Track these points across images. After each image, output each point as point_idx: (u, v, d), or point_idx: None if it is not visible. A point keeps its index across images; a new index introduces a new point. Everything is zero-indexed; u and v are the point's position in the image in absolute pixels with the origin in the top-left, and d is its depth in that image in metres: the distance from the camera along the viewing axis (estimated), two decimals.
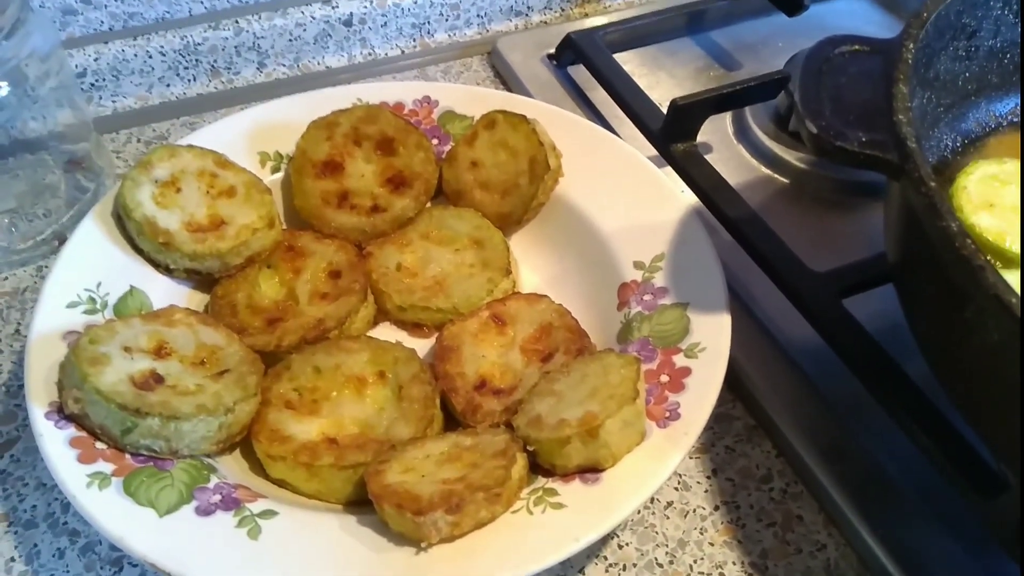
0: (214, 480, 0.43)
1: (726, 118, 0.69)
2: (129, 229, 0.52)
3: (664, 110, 0.63)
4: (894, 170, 0.38)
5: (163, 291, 0.51)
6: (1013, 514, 0.45)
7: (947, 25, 0.46)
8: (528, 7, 0.80)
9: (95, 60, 0.68)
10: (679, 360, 0.47)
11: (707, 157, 0.62)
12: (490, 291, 0.53)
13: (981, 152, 0.54)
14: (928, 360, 0.42)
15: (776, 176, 0.65)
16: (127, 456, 0.42)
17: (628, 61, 0.73)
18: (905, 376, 0.47)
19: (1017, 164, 0.51)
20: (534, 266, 0.57)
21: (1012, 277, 0.45)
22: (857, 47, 0.46)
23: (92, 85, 0.69)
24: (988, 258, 0.46)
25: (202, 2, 0.71)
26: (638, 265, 0.53)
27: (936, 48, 0.46)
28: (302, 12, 0.72)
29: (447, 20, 0.77)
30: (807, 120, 0.41)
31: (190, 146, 0.54)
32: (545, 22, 0.81)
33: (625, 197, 0.56)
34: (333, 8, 0.73)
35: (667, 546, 0.46)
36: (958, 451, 0.45)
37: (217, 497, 0.41)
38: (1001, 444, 0.40)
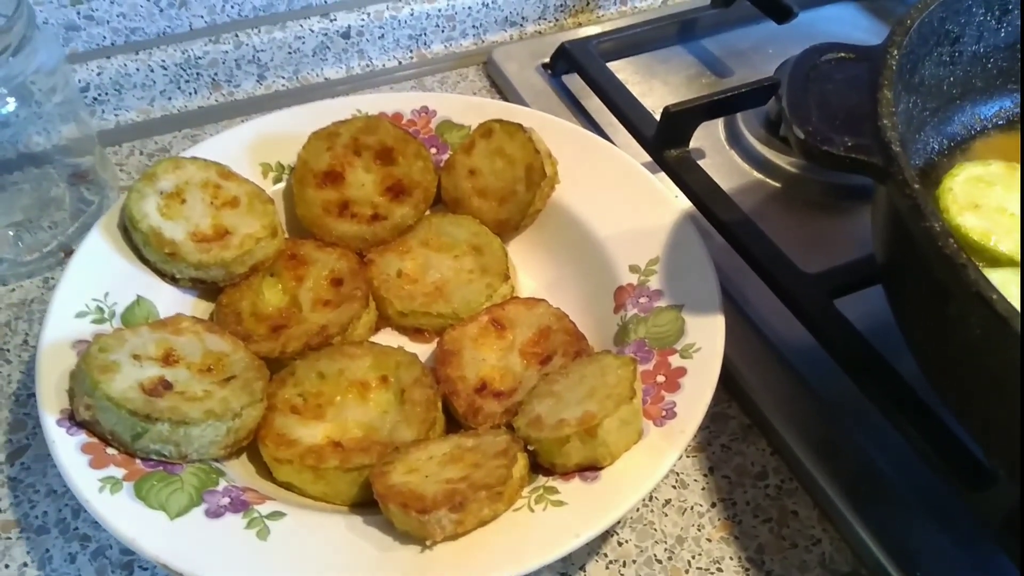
0: (223, 483, 0.44)
1: (718, 124, 0.70)
2: (135, 240, 0.53)
3: (657, 117, 0.64)
4: (879, 173, 0.40)
5: (169, 300, 0.53)
6: (1003, 507, 0.46)
7: (931, 31, 0.47)
8: (523, 17, 0.81)
9: (98, 75, 0.69)
10: (675, 361, 0.48)
11: (700, 163, 0.63)
12: (489, 296, 0.54)
13: (967, 154, 0.55)
14: (916, 357, 0.43)
15: (768, 180, 0.66)
16: (137, 461, 0.43)
17: (622, 69, 0.74)
18: (895, 374, 0.48)
19: (1001, 166, 0.52)
20: (532, 271, 0.58)
21: (998, 276, 0.46)
22: (843, 54, 0.47)
23: (95, 99, 0.70)
24: (973, 258, 0.48)
25: (202, 16, 0.72)
26: (633, 269, 0.54)
27: (920, 54, 0.48)
28: (301, 25, 0.74)
29: (443, 31, 0.79)
30: (794, 126, 0.42)
31: (194, 158, 0.56)
32: (539, 32, 0.82)
33: (620, 203, 0.57)
34: (331, 21, 0.74)
35: (666, 543, 0.47)
36: (948, 446, 0.46)
37: (226, 500, 0.43)
38: (988, 438, 0.41)
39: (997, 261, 0.48)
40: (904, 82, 0.46)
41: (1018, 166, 0.52)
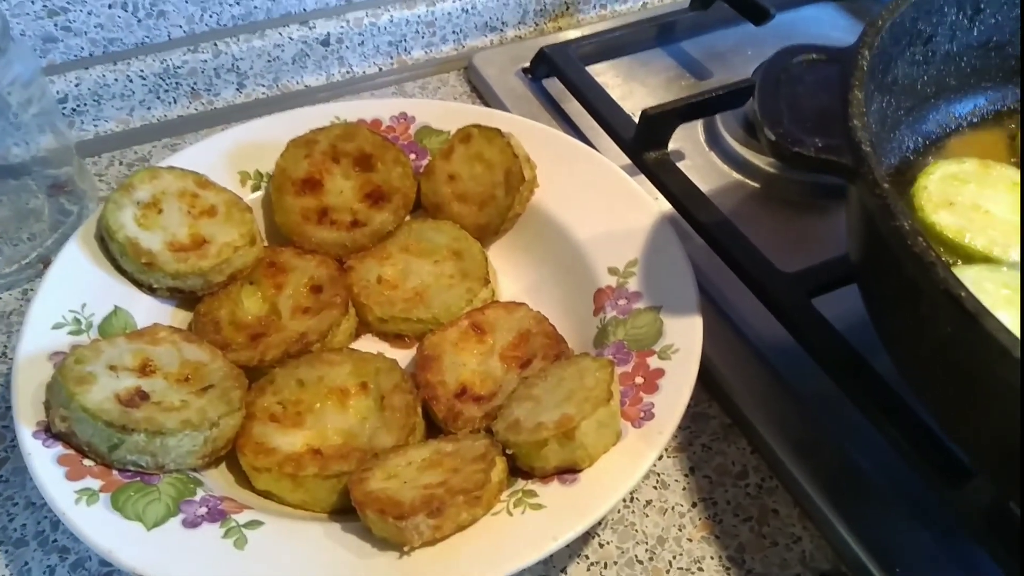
0: (200, 493, 0.43)
1: (697, 126, 0.71)
2: (112, 251, 0.53)
3: (637, 120, 0.64)
4: (849, 173, 0.40)
5: (147, 310, 0.52)
6: (981, 503, 0.46)
7: (903, 31, 0.48)
8: (503, 22, 0.81)
9: (76, 85, 0.69)
10: (653, 362, 0.48)
11: (679, 164, 0.64)
12: (469, 301, 0.54)
13: (942, 152, 0.55)
14: (891, 355, 0.43)
15: (746, 180, 0.67)
16: (114, 472, 0.43)
17: (602, 73, 0.75)
18: (873, 371, 0.49)
19: (975, 163, 0.53)
20: (512, 275, 0.58)
21: (972, 273, 0.46)
22: (814, 56, 0.47)
23: (74, 110, 0.70)
24: (947, 255, 0.48)
25: (181, 26, 0.72)
26: (612, 271, 0.54)
27: (893, 54, 0.48)
28: (280, 33, 0.74)
29: (423, 37, 0.79)
30: (765, 128, 0.42)
31: (171, 168, 0.56)
32: (520, 37, 0.83)
33: (599, 206, 0.57)
34: (310, 29, 0.74)
35: (647, 543, 0.47)
36: (925, 442, 0.46)
37: (203, 509, 0.42)
38: (963, 435, 0.41)
39: (971, 258, 0.48)
40: (877, 82, 0.46)
41: (992, 163, 0.53)
